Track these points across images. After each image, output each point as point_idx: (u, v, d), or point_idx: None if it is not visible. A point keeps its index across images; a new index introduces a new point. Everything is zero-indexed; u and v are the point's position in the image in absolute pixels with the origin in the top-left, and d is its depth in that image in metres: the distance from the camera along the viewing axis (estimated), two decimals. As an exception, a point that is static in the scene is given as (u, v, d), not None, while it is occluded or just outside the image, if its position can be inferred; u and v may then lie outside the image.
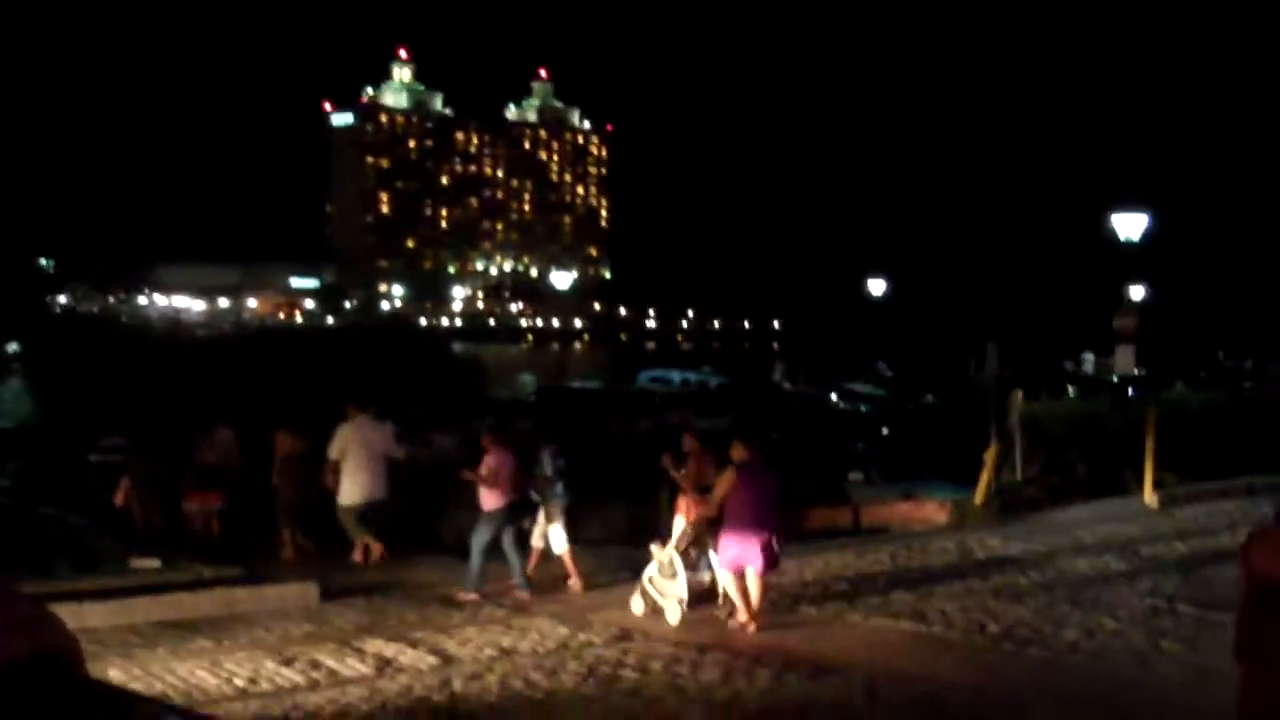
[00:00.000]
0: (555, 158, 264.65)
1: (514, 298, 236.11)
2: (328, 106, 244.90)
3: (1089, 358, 55.27)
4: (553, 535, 14.53)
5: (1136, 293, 72.45)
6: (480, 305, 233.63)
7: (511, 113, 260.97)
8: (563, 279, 56.10)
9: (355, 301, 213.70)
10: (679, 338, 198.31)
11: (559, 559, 14.59)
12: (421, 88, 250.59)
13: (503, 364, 67.98)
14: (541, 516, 14.59)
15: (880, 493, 21.34)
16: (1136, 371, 23.49)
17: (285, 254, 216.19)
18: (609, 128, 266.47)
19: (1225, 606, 12.67)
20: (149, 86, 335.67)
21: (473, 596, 13.80)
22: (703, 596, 12.80)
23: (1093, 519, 18.86)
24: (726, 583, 12.35)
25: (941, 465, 24.04)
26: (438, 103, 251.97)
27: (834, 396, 41.84)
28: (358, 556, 15.96)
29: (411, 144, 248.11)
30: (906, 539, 17.63)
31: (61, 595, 11.21)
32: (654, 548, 13.08)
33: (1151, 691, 10.06)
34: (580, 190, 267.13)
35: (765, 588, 12.26)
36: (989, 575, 14.67)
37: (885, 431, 30.99)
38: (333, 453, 15.99)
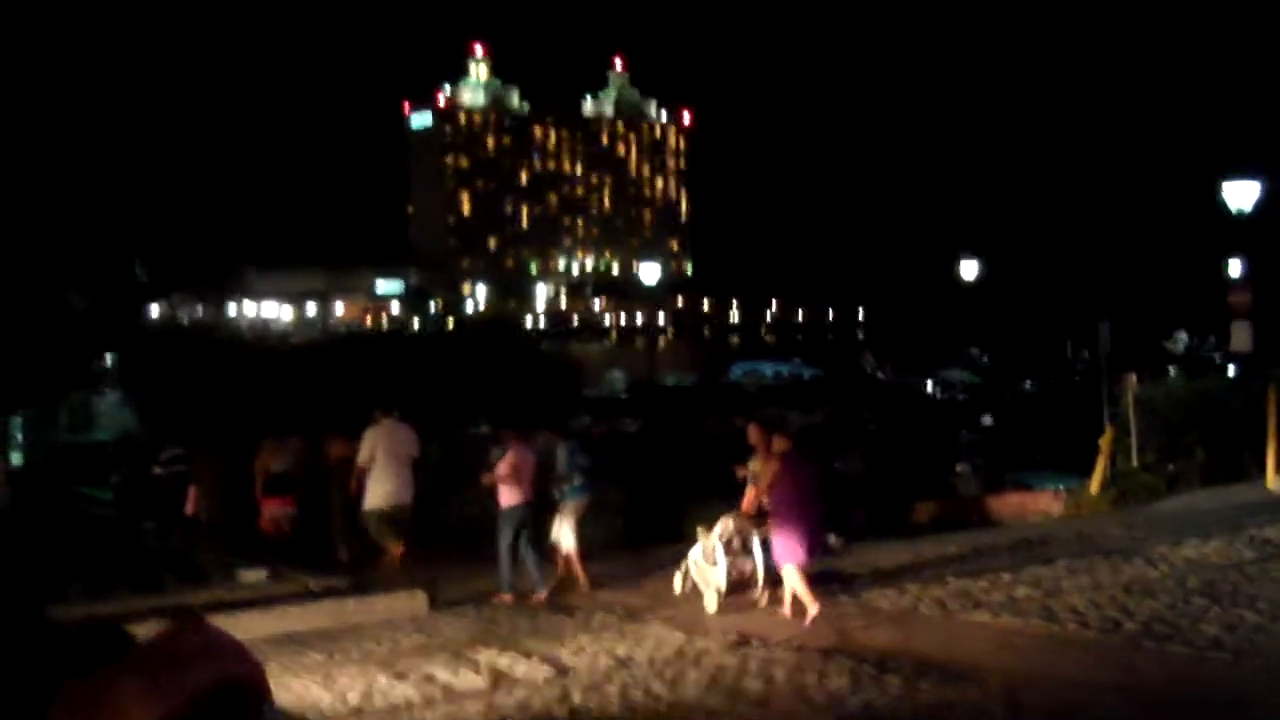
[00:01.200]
0: (633, 151, 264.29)
1: (596, 294, 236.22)
2: (406, 108, 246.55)
3: (1181, 337, 54.00)
4: (562, 534, 14.61)
5: (1236, 268, 70.96)
6: (563, 303, 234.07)
7: (588, 106, 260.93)
8: (650, 272, 55.77)
9: (440, 303, 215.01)
10: (763, 330, 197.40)
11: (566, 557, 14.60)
12: (498, 83, 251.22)
13: (589, 362, 67.78)
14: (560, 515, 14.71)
15: (990, 483, 20.78)
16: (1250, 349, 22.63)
17: (369, 258, 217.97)
18: (686, 118, 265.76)
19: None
20: (229, 95, 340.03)
21: (507, 598, 13.80)
22: (741, 585, 12.88)
23: (1215, 506, 18.19)
24: (790, 575, 12.27)
25: (1050, 453, 23.47)
26: (514, 99, 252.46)
27: (929, 385, 41.26)
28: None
29: (490, 143, 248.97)
30: (1024, 531, 17.09)
31: (169, 609, 11.07)
32: (700, 530, 13.17)
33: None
34: (659, 183, 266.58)
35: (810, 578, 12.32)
36: (1117, 568, 14.09)
37: (987, 420, 30.40)
38: (361, 458, 15.84)
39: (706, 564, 12.92)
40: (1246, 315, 21.69)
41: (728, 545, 12.86)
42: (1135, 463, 20.02)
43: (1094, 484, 19.06)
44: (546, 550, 14.59)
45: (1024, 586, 13.32)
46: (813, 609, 11.98)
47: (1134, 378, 20.49)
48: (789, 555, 12.21)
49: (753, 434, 13.27)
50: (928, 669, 10.09)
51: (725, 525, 13.00)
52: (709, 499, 19.07)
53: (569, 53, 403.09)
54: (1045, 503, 19.51)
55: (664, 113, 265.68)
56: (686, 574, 13.19)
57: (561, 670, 10.64)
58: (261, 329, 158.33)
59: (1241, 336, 21.63)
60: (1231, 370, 37.05)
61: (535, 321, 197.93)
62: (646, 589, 14.30)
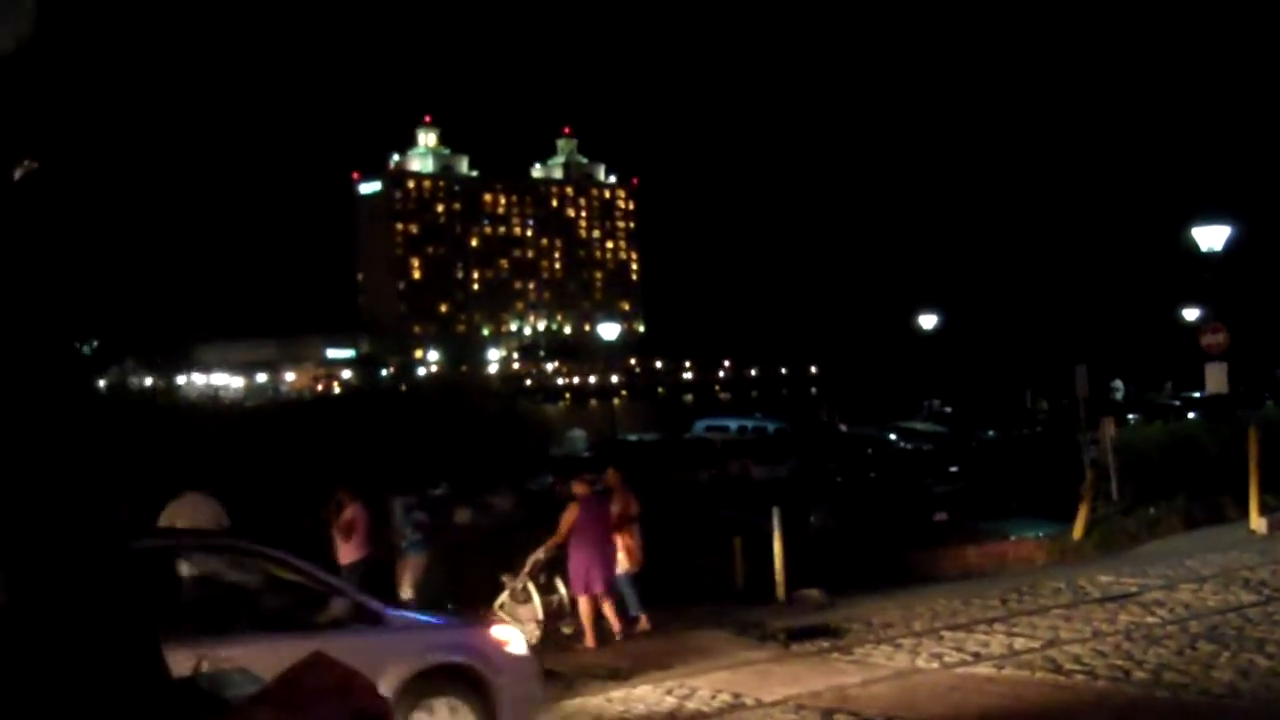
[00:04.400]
0: (583, 214, 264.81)
1: (549, 356, 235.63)
2: (355, 176, 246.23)
3: (1117, 385, 54.31)
4: (403, 589, 14.87)
5: (1192, 314, 71.25)
6: (516, 365, 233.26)
7: (537, 171, 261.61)
8: (609, 330, 55.31)
9: (392, 369, 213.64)
10: (716, 388, 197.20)
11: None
12: (447, 151, 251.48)
13: (547, 423, 67.17)
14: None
15: (969, 533, 20.30)
16: (1223, 391, 22.37)
17: (320, 326, 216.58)
18: (635, 181, 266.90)
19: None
20: (177, 166, 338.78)
21: None
22: (556, 615, 14.66)
23: (1200, 548, 17.81)
24: (582, 605, 14.31)
25: (1024, 500, 23.07)
26: (464, 165, 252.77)
27: (893, 436, 40.85)
28: None
29: (439, 208, 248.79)
30: (1012, 580, 16.59)
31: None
32: (505, 578, 14.71)
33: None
34: (610, 245, 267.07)
35: (612, 602, 14.52)
36: (1114, 615, 13.63)
37: (954, 469, 29.97)
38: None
39: (517, 604, 14.47)
40: (1222, 356, 21.43)
41: (536, 581, 14.55)
42: (1116, 507, 19.66)
43: (1077, 529, 18.65)
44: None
45: (1021, 637, 12.82)
46: (615, 626, 14.26)
47: (1112, 422, 20.17)
48: (581, 586, 14.30)
49: (609, 478, 15.45)
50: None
51: (534, 562, 14.62)
52: (685, 547, 18.64)
53: (516, 124, 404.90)
54: (1028, 550, 19.06)
55: (613, 176, 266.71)
56: (499, 622, 13.54)
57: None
58: (212, 397, 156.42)
59: (1218, 378, 21.36)
60: (1191, 415, 36.98)
61: (489, 384, 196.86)
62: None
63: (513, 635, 9.89)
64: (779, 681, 11.58)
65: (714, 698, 11.22)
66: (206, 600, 9.17)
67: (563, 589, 14.67)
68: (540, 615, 14.26)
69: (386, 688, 8.43)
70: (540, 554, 14.65)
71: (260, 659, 7.77)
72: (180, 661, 8.14)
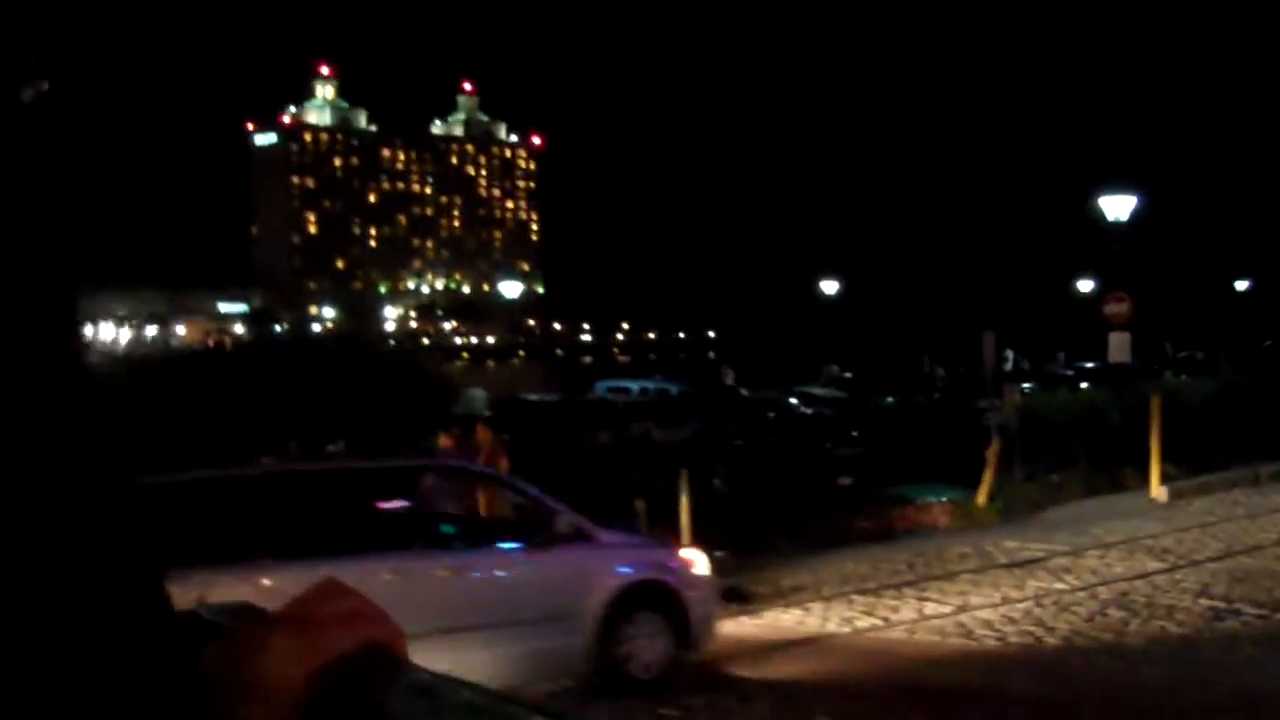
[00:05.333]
0: (484, 173, 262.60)
1: (447, 315, 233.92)
2: (250, 127, 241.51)
3: (1008, 354, 55.21)
4: None
5: (1086, 285, 72.36)
6: (413, 324, 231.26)
7: (437, 128, 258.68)
8: (511, 289, 54.99)
9: (286, 325, 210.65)
10: (615, 350, 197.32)
11: None
12: (345, 105, 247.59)
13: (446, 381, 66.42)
14: None
15: (874, 497, 20.20)
16: (1125, 361, 22.52)
17: (212, 279, 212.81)
18: (537, 140, 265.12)
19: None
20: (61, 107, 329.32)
21: None
22: None
23: (1103, 515, 17.90)
24: None
25: (927, 466, 23.07)
26: (362, 119, 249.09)
27: (793, 400, 40.87)
28: None
29: (337, 162, 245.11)
30: (918, 545, 16.51)
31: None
32: None
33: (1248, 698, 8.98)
34: (510, 205, 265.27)
35: None
36: (1022, 581, 13.60)
37: (855, 434, 29.98)
38: None
39: None
40: (1125, 326, 21.54)
41: None
42: (1020, 473, 19.70)
43: (981, 495, 18.64)
44: None
45: (931, 603, 12.73)
46: None
47: (1019, 389, 20.20)
48: None
49: (479, 434, 14.50)
50: (861, 695, 9.35)
51: None
52: (587, 510, 18.30)
53: (416, 77, 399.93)
54: (932, 516, 18.99)
55: (514, 135, 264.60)
56: None
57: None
58: (99, 349, 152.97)
59: (1120, 347, 21.47)
60: (1084, 385, 37.42)
61: (384, 342, 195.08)
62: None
63: (698, 556, 10.61)
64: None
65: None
66: (454, 517, 10.25)
67: None
68: None
69: (599, 600, 9.60)
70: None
71: (507, 570, 9.60)
72: (433, 572, 8.72)
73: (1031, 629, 11.36)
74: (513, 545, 9.74)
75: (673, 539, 14.06)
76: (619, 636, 9.68)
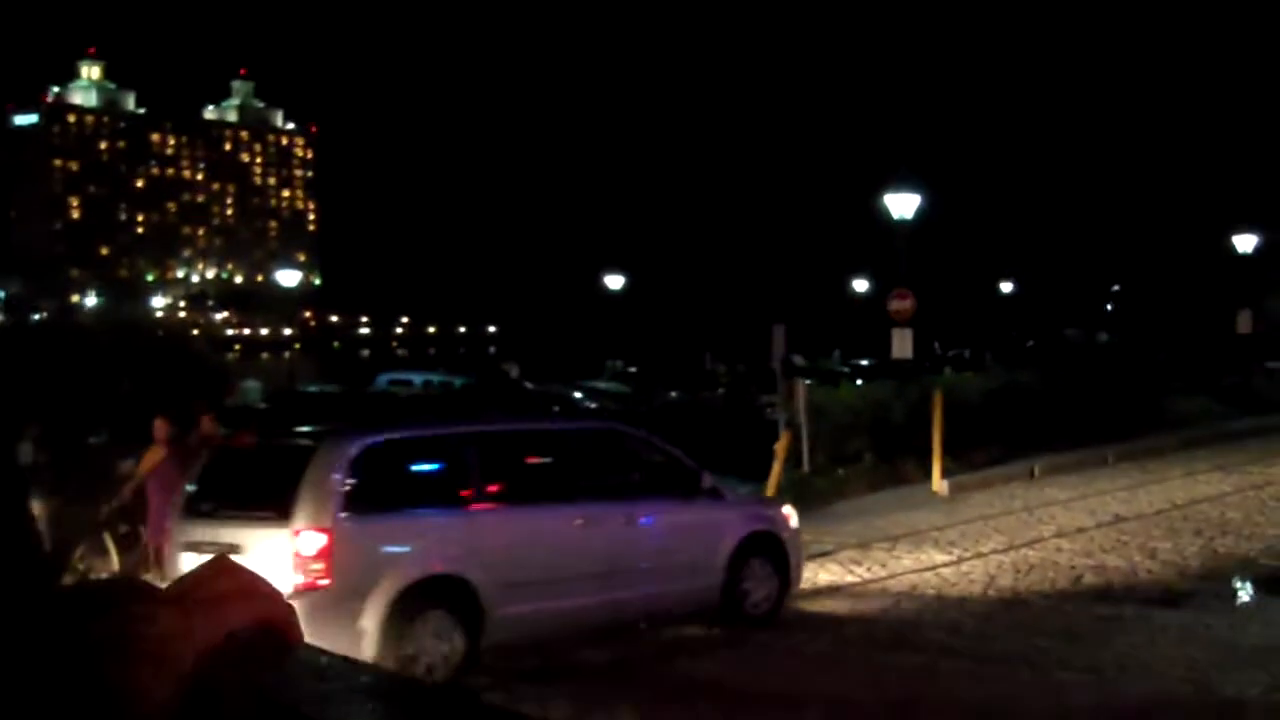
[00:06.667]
0: (259, 160, 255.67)
1: (219, 306, 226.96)
2: (8, 107, 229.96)
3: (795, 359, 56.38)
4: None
5: (861, 285, 74.23)
6: (182, 314, 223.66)
7: (210, 113, 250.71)
8: (289, 277, 53.58)
9: (46, 313, 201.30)
10: (394, 344, 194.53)
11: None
12: (113, 86, 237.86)
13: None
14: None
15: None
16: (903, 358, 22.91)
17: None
18: (313, 129, 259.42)
19: (1071, 597, 11.95)
20: None
21: None
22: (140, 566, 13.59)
23: (888, 508, 18.17)
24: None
25: (711, 459, 23.07)
26: (130, 102, 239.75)
27: (577, 395, 40.71)
28: None
29: (103, 146, 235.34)
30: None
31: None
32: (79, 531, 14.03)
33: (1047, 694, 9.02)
34: (286, 194, 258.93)
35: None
36: (814, 574, 13.55)
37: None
38: None
39: (94, 556, 13.77)
40: (908, 322, 21.91)
41: (114, 531, 13.75)
42: (807, 467, 19.82)
43: (770, 488, 18.64)
44: None
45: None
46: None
47: (804, 384, 20.32)
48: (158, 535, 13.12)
49: (157, 429, 13.51)
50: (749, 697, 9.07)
51: (108, 511, 13.83)
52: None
53: (189, 61, 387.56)
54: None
55: (290, 123, 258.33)
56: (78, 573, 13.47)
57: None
58: None
59: (904, 343, 21.84)
60: (859, 381, 38.15)
61: (160, 325, 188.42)
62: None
63: (792, 512, 12.49)
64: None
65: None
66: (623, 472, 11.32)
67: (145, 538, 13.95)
68: (116, 568, 13.59)
69: (728, 547, 11.26)
70: (114, 503, 13.90)
71: (667, 519, 11.08)
72: (613, 519, 10.31)
73: (829, 621, 11.29)
74: (668, 499, 11.28)
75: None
76: (740, 578, 11.27)
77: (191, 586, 0.99)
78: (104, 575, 13.26)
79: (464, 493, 10.05)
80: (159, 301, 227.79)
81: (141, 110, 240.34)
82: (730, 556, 11.22)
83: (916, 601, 12.05)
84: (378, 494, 9.64)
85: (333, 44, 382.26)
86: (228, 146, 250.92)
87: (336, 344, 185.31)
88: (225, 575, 1.00)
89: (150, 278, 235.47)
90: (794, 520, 12.24)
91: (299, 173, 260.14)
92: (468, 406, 32.22)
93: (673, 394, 42.17)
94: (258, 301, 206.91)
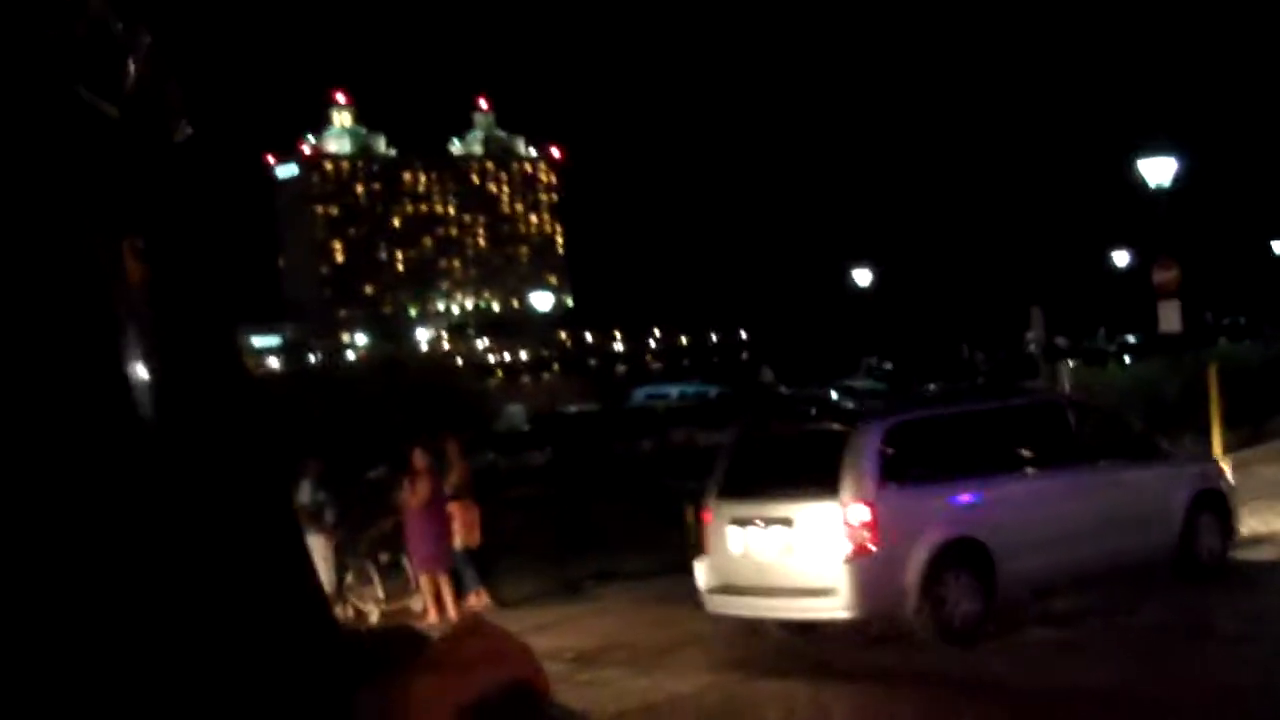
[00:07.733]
0: (505, 189, 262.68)
1: (479, 334, 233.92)
2: (270, 160, 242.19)
3: (1031, 337, 54.63)
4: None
5: (1121, 257, 71.34)
6: (446, 345, 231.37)
7: (456, 147, 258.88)
8: (543, 300, 55.15)
9: (319, 355, 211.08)
10: (648, 357, 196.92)
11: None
12: (364, 130, 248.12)
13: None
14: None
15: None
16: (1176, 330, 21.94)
17: (243, 314, 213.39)
18: (556, 153, 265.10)
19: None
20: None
21: None
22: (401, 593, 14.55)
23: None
24: (423, 581, 14.23)
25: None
26: (381, 144, 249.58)
27: (834, 395, 40.40)
28: None
29: (359, 189, 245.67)
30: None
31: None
32: (349, 560, 14.51)
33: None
34: (534, 219, 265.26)
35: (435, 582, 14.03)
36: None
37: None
38: None
39: (361, 584, 14.29)
40: (1174, 294, 20.96)
41: (376, 560, 14.42)
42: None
43: (1217, 448, 18.24)
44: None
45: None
46: (432, 615, 13.71)
47: (1070, 365, 19.71)
48: (425, 563, 14.11)
49: (417, 460, 14.23)
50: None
51: (371, 540, 14.48)
52: (639, 516, 17.99)
53: (431, 97, 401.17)
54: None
55: (533, 149, 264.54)
56: (347, 602, 13.89)
57: None
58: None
59: (1171, 316, 20.90)
60: (1127, 359, 36.66)
61: (426, 360, 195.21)
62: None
63: (1228, 468, 13.76)
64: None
65: (697, 679, 10.51)
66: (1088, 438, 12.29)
67: (408, 567, 14.59)
68: (381, 595, 14.19)
69: (1181, 503, 12.32)
70: (374, 532, 14.62)
71: (1138, 478, 12.29)
72: (1100, 480, 12.08)
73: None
74: (1133, 461, 12.41)
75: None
76: (1195, 531, 12.35)
77: (448, 650, 1.09)
78: (371, 607, 13.85)
79: (972, 464, 11.36)
80: (423, 334, 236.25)
81: (393, 151, 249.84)
82: (1185, 511, 12.31)
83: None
84: (903, 469, 10.89)
85: (568, 65, 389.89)
86: (475, 178, 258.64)
87: (593, 362, 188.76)
88: (479, 637, 1.08)
89: (413, 312, 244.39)
90: (1229, 475, 13.33)
91: (544, 197, 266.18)
92: (721, 416, 32.42)
93: (932, 386, 41.48)
94: (515, 327, 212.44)
